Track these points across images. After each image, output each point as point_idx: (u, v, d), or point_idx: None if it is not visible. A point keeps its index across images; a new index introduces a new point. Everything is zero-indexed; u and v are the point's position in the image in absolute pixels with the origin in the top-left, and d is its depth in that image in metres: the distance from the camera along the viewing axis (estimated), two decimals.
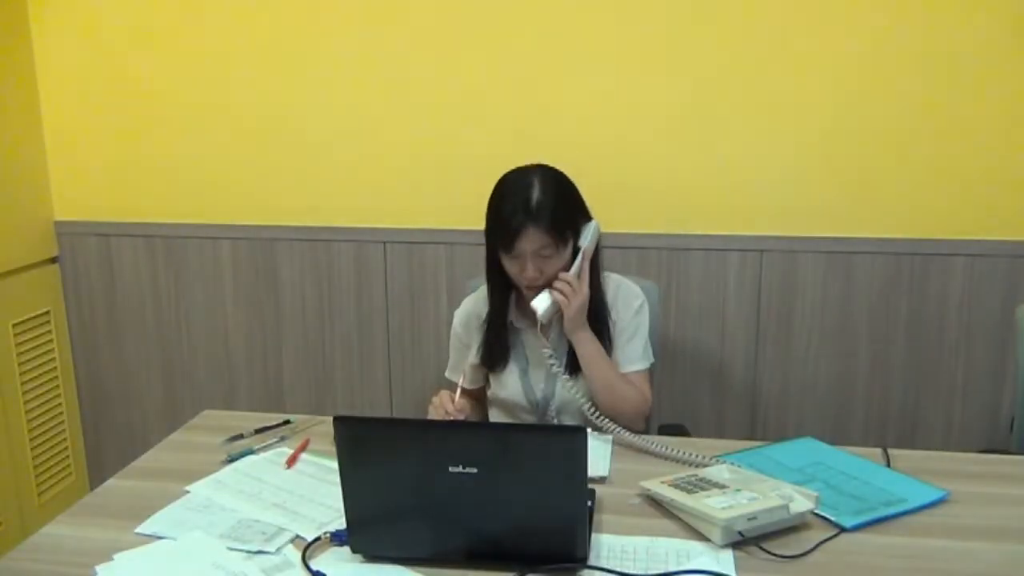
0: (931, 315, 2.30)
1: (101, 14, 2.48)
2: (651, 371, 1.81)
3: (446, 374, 1.90)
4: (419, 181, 2.44)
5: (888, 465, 1.54)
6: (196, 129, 2.52)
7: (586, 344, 1.68)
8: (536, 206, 1.60)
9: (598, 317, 1.72)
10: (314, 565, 1.23)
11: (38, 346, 2.60)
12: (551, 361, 1.68)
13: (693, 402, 2.42)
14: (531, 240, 1.61)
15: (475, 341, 1.81)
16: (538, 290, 1.68)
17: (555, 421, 1.76)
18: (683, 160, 2.30)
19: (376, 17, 2.35)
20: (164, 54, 2.48)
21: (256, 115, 2.47)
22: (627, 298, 1.78)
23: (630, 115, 2.30)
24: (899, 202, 2.25)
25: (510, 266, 1.67)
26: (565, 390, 1.70)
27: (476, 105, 2.36)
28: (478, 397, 1.90)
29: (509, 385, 1.77)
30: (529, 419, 1.78)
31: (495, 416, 1.86)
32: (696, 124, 2.28)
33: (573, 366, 1.72)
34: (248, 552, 1.27)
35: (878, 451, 1.59)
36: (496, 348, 1.77)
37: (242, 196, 2.54)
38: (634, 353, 1.76)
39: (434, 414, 1.62)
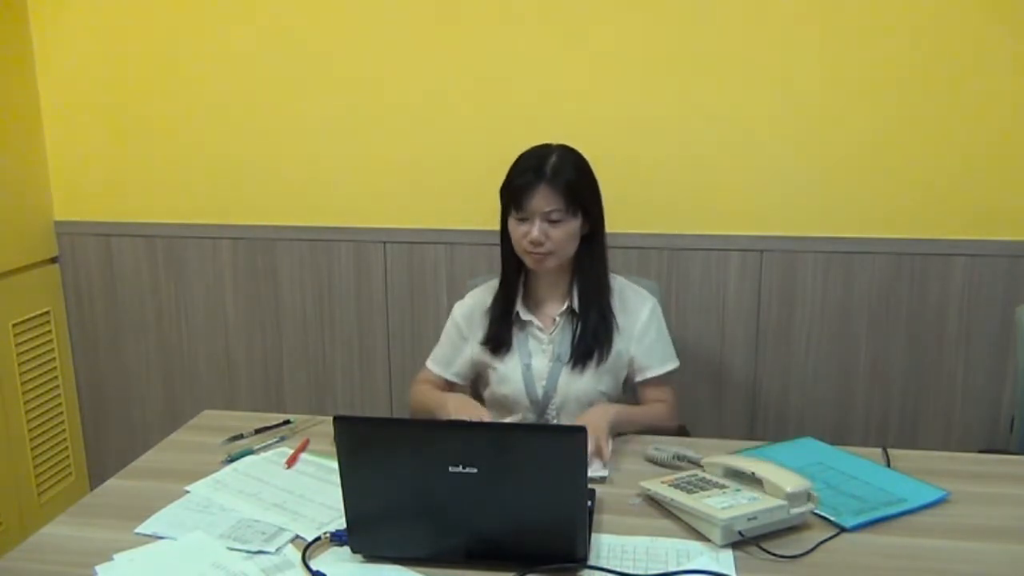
0: (931, 315, 2.30)
1: (101, 14, 2.48)
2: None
3: (428, 364, 1.87)
4: (419, 181, 2.44)
5: (888, 465, 1.54)
6: (196, 129, 2.52)
7: (624, 426, 1.67)
8: (552, 169, 1.65)
9: (603, 315, 1.73)
10: (314, 565, 1.23)
11: (38, 346, 2.60)
12: None
13: (693, 402, 2.42)
14: (542, 199, 1.63)
15: (475, 334, 1.81)
16: (538, 260, 1.68)
17: (555, 420, 1.76)
18: (683, 160, 2.30)
19: (376, 17, 2.35)
20: (164, 54, 2.48)
21: (256, 115, 2.47)
22: (633, 305, 1.78)
23: (631, 115, 2.30)
24: (899, 202, 2.25)
25: (516, 229, 1.67)
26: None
27: (476, 105, 2.36)
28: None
29: (511, 380, 1.77)
30: (528, 418, 1.78)
31: (493, 417, 1.86)
32: (696, 124, 2.28)
33: (578, 358, 1.72)
34: (248, 552, 1.27)
35: (878, 451, 1.59)
36: (502, 328, 1.76)
37: (242, 196, 2.54)
38: (653, 356, 1.77)
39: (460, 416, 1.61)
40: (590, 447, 1.50)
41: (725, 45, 2.22)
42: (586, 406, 1.75)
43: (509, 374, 1.77)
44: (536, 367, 1.76)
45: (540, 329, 1.76)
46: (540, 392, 1.76)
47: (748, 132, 2.26)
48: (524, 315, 1.77)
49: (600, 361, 1.72)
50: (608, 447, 1.54)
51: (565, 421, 1.75)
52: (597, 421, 1.59)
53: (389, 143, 2.43)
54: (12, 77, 2.48)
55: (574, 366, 1.72)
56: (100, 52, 2.51)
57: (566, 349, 1.74)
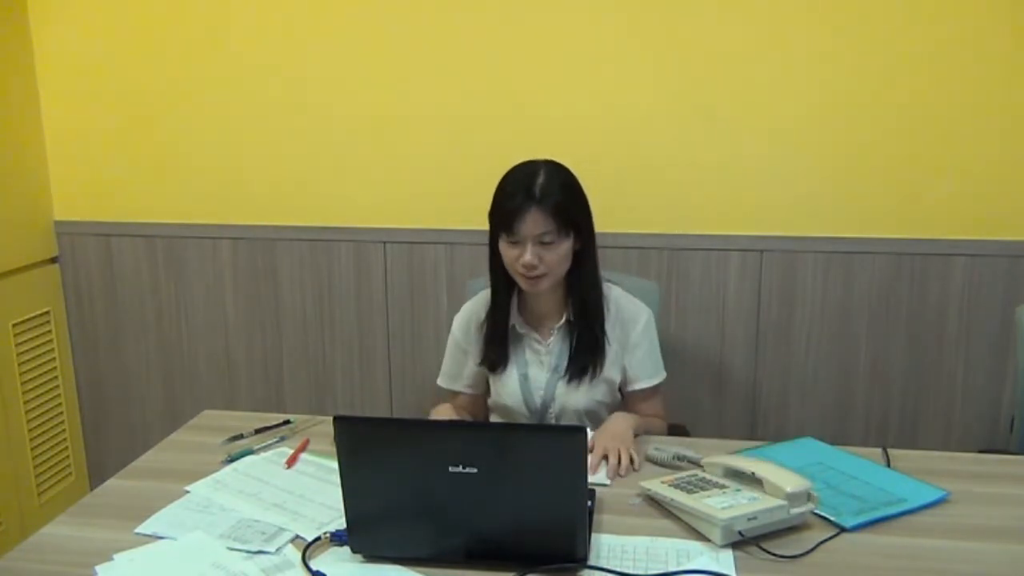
0: (931, 315, 2.30)
1: (101, 13, 2.48)
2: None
3: (438, 382, 1.88)
4: (419, 181, 2.44)
5: (888, 465, 1.54)
6: (196, 129, 2.51)
7: (639, 433, 1.69)
8: (541, 190, 1.61)
9: (595, 322, 1.72)
10: (314, 565, 1.23)
11: (38, 346, 2.60)
12: None
13: (693, 402, 2.42)
14: (533, 223, 1.60)
15: (474, 346, 1.81)
16: (532, 283, 1.66)
17: None
18: (683, 160, 2.30)
19: (376, 17, 2.35)
20: (164, 54, 2.48)
21: (256, 115, 2.47)
22: (627, 319, 1.76)
23: (630, 115, 2.30)
24: (899, 202, 2.25)
25: (508, 252, 1.65)
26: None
27: (476, 105, 2.36)
28: (477, 406, 1.89)
29: (509, 390, 1.76)
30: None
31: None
32: (696, 124, 2.28)
33: (574, 373, 1.72)
34: (248, 552, 1.27)
35: (878, 451, 1.59)
36: (496, 348, 1.76)
37: (242, 196, 2.54)
38: (644, 369, 1.77)
39: None
40: (623, 461, 1.52)
41: (726, 45, 2.22)
42: (584, 416, 1.75)
43: (507, 385, 1.77)
44: (533, 377, 1.76)
45: (538, 341, 1.76)
46: (538, 401, 1.76)
47: (748, 132, 2.26)
48: (520, 328, 1.76)
49: (594, 376, 1.73)
50: (638, 458, 1.56)
51: None
52: (625, 433, 1.60)
53: (389, 143, 2.43)
54: (12, 77, 2.48)
55: (570, 380, 1.72)
56: (100, 52, 2.51)
57: (564, 361, 1.73)
